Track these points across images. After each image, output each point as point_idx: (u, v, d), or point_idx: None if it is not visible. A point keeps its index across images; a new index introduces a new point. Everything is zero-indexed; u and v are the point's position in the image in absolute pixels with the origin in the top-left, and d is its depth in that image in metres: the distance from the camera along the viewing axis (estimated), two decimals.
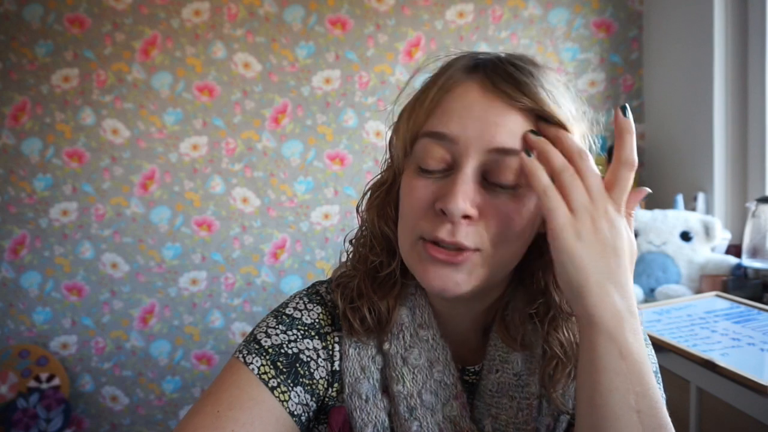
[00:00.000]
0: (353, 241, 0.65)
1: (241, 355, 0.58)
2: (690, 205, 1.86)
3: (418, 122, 0.56)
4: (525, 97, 0.52)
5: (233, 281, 2.32)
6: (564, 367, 0.57)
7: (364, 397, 0.58)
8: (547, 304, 0.58)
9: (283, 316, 0.62)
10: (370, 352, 0.60)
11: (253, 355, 0.57)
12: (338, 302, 0.61)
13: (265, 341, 0.59)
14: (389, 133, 0.61)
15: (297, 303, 0.63)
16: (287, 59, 2.29)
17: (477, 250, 0.52)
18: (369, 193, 0.64)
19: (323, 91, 2.30)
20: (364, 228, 0.64)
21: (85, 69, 2.26)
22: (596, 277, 0.47)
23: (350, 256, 0.65)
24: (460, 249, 0.52)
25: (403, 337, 0.59)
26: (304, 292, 0.66)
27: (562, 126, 0.53)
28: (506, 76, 0.53)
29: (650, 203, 2.07)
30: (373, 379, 0.59)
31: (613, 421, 0.45)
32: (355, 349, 0.60)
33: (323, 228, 2.32)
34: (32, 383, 2.16)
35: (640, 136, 2.28)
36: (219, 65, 2.28)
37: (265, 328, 0.60)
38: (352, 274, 0.63)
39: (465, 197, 0.50)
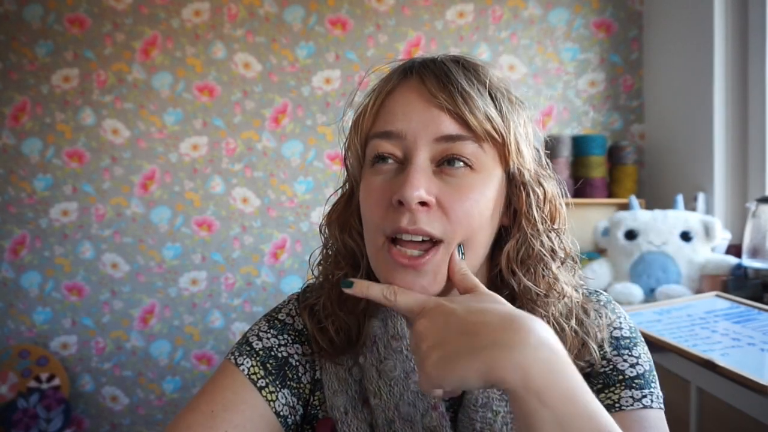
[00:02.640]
0: (319, 260, 0.65)
1: (233, 357, 0.59)
2: (690, 205, 1.86)
3: (365, 128, 0.57)
4: (442, 95, 0.53)
5: (233, 281, 2.32)
6: None
7: (342, 409, 0.58)
8: (511, 295, 0.57)
9: (275, 321, 0.63)
10: (346, 364, 0.60)
11: (244, 357, 0.59)
12: (307, 324, 0.61)
13: (257, 344, 0.60)
14: (343, 149, 0.62)
15: (290, 309, 0.65)
16: (287, 59, 2.29)
17: (440, 241, 0.53)
18: (330, 210, 0.64)
19: (323, 91, 2.30)
20: (327, 246, 0.64)
21: (85, 69, 2.26)
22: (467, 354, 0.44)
23: (318, 276, 0.64)
24: (423, 245, 0.52)
25: (377, 350, 0.59)
26: (296, 298, 0.67)
27: (471, 131, 0.53)
28: (433, 76, 0.54)
29: (650, 203, 2.07)
30: (351, 391, 0.59)
31: None
32: (331, 362, 0.60)
33: None
34: (32, 383, 2.16)
35: (640, 136, 2.28)
36: (219, 65, 2.28)
37: (257, 331, 0.62)
38: (319, 291, 0.63)
39: (419, 184, 0.51)
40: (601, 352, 0.60)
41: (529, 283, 0.57)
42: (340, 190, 0.65)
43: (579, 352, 0.59)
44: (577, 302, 0.59)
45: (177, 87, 2.28)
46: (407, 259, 0.52)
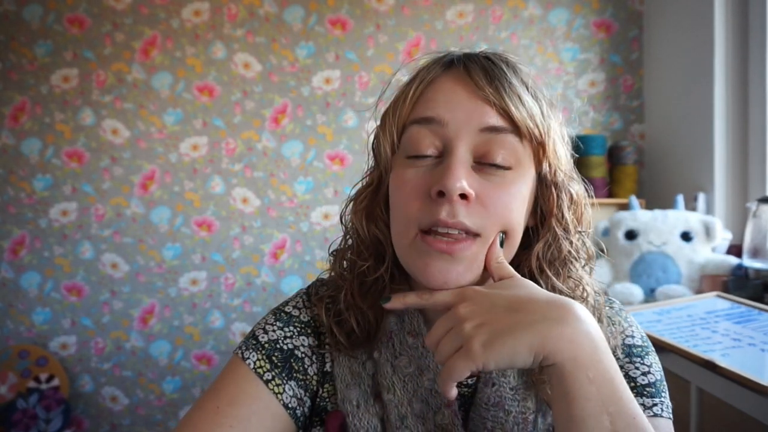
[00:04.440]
0: (338, 251, 0.64)
1: (240, 351, 0.60)
2: (690, 205, 1.86)
3: (403, 114, 0.56)
4: (489, 89, 0.53)
5: (233, 281, 2.32)
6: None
7: (355, 402, 0.58)
8: None
9: (282, 314, 0.63)
10: (360, 358, 0.60)
11: (251, 351, 0.59)
12: (323, 317, 0.61)
13: (262, 337, 0.60)
14: (371, 138, 0.62)
15: (297, 302, 0.65)
16: (287, 59, 2.29)
17: (477, 235, 0.52)
18: (354, 199, 0.63)
19: (323, 91, 2.30)
20: (348, 236, 0.63)
21: (85, 69, 2.26)
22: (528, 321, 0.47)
23: (337, 266, 0.64)
24: (459, 235, 0.52)
25: (393, 345, 0.59)
26: (304, 291, 0.66)
27: (515, 125, 0.53)
28: (480, 69, 0.55)
29: (651, 203, 2.07)
30: (364, 384, 0.59)
31: None
32: (346, 355, 0.60)
33: (323, 228, 2.32)
34: (32, 383, 2.16)
35: (640, 136, 2.28)
36: (219, 65, 2.28)
37: (263, 324, 0.62)
38: (338, 286, 0.62)
39: (460, 175, 0.50)
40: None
41: (559, 283, 0.57)
42: (365, 180, 0.64)
43: None
44: (598, 306, 0.60)
45: (177, 87, 2.28)
46: (445, 244, 0.51)
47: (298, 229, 2.32)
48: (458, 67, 0.56)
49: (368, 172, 0.64)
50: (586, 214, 0.60)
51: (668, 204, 1.89)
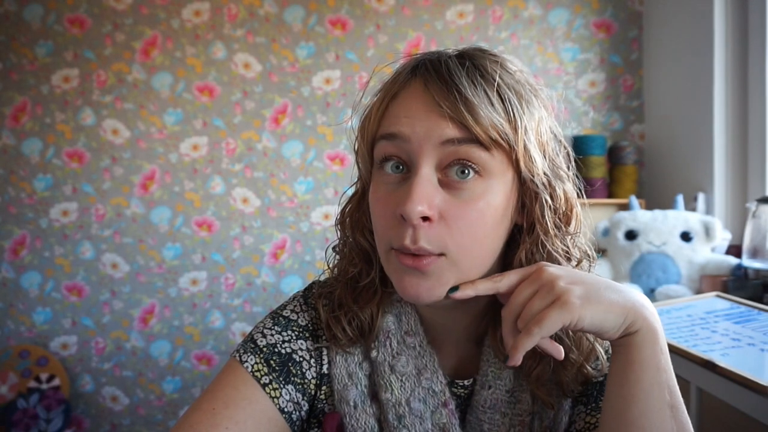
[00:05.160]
0: (335, 248, 0.66)
1: (237, 354, 0.60)
2: (690, 206, 1.86)
3: (371, 130, 0.56)
4: (445, 103, 0.50)
5: (233, 281, 2.32)
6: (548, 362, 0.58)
7: (352, 403, 0.58)
8: None
9: (280, 318, 0.63)
10: (357, 359, 0.60)
11: (249, 354, 0.59)
12: (321, 312, 0.62)
13: (261, 341, 0.61)
14: (356, 146, 0.62)
15: (294, 306, 0.65)
16: (287, 59, 2.29)
17: (441, 254, 0.51)
18: (343, 208, 0.64)
19: (323, 92, 2.30)
20: (342, 239, 0.65)
21: (85, 69, 2.26)
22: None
23: (334, 263, 0.65)
24: (424, 255, 0.52)
25: (390, 345, 0.59)
26: (301, 294, 0.67)
27: (477, 140, 0.50)
28: (436, 80, 0.52)
29: (650, 203, 2.07)
30: (361, 385, 0.59)
31: (650, 418, 0.48)
32: (342, 357, 0.60)
33: (323, 228, 2.32)
34: (32, 383, 2.16)
35: (640, 136, 2.28)
36: (219, 65, 2.28)
37: (261, 328, 0.62)
38: (334, 284, 0.64)
39: (421, 199, 0.49)
40: (607, 356, 0.61)
41: None
42: (355, 186, 0.65)
43: (588, 356, 0.59)
44: None
45: (177, 87, 2.28)
46: (411, 260, 0.51)
47: (299, 229, 2.32)
48: (418, 78, 0.54)
49: (355, 182, 0.65)
50: (576, 214, 0.58)
51: (668, 204, 1.89)
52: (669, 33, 2.10)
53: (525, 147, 0.52)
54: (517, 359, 0.47)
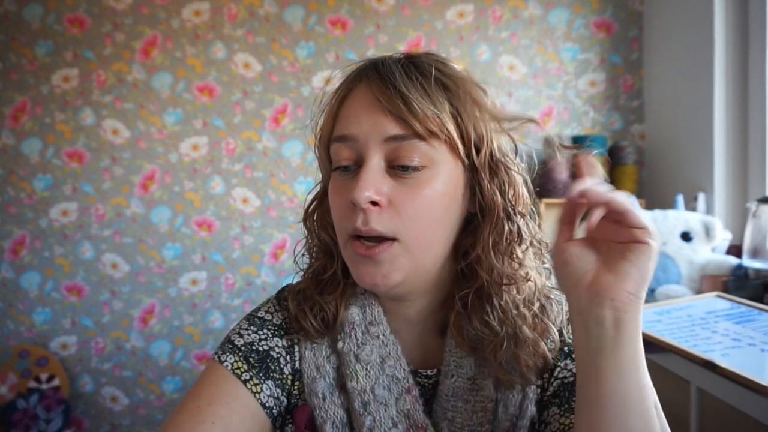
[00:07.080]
0: (303, 249, 0.69)
1: (216, 356, 0.62)
2: (690, 206, 1.86)
3: (326, 132, 0.61)
4: (384, 99, 0.55)
5: (233, 281, 2.32)
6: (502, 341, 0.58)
7: (320, 395, 0.60)
8: (481, 279, 0.59)
9: (255, 318, 0.66)
10: (324, 353, 0.62)
11: (227, 354, 0.61)
12: (291, 308, 0.64)
13: (238, 341, 0.63)
14: (315, 149, 0.66)
15: (268, 307, 0.68)
16: (287, 59, 2.29)
17: (394, 239, 0.55)
18: (307, 207, 0.68)
19: (324, 92, 2.30)
20: (307, 238, 0.68)
21: (85, 69, 2.26)
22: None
23: (300, 264, 0.69)
24: (378, 240, 0.55)
25: (355, 335, 0.61)
26: (274, 297, 0.70)
27: (416, 132, 0.54)
28: (377, 80, 0.57)
29: (650, 203, 2.07)
30: (329, 377, 0.61)
31: (639, 416, 0.47)
32: (311, 351, 0.63)
33: None
34: (32, 384, 2.16)
35: (641, 136, 2.28)
36: (219, 65, 2.28)
37: (238, 329, 0.65)
38: (303, 282, 0.67)
39: (368, 185, 0.53)
40: (561, 338, 0.63)
41: (498, 264, 0.58)
42: (319, 186, 0.69)
43: (543, 333, 0.61)
44: (541, 287, 0.62)
45: (177, 87, 2.28)
46: (364, 249, 0.55)
47: (299, 229, 2.32)
48: (363, 80, 0.59)
49: (319, 181, 0.68)
50: (523, 196, 0.60)
51: (668, 204, 1.89)
52: (669, 33, 2.10)
53: (464, 136, 0.56)
54: (595, 218, 0.46)
